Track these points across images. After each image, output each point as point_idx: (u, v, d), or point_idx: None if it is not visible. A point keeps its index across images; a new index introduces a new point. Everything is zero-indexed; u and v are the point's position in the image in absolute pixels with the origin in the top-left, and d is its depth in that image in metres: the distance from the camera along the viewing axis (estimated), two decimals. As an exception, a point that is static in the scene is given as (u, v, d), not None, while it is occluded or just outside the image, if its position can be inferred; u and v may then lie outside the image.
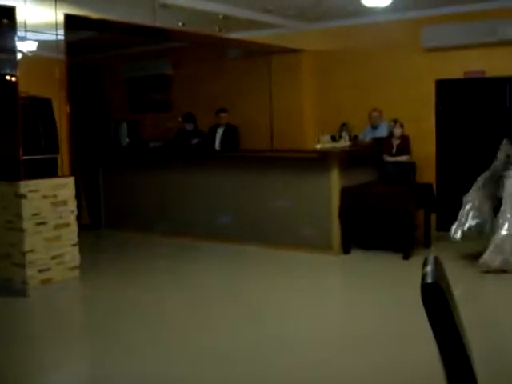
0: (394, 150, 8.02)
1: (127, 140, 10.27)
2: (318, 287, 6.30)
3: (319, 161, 7.52)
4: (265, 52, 10.05)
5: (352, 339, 4.77)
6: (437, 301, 2.00)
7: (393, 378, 3.98)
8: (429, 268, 2.19)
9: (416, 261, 7.00)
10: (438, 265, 2.19)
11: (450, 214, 8.64)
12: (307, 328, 4.98)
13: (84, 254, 6.74)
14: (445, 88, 8.75)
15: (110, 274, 7.01)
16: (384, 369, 4.12)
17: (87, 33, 8.92)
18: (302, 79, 10.01)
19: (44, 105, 6.45)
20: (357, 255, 7.47)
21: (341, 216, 7.45)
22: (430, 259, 2.32)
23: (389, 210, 7.35)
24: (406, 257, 7.14)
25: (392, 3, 6.93)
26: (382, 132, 8.49)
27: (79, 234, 6.67)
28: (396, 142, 8.03)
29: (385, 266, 7.02)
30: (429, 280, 2.06)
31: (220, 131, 9.43)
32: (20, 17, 6.06)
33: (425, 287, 2.04)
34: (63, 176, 6.52)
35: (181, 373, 4.14)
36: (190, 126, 9.65)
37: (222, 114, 9.44)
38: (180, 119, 10.00)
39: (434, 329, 1.96)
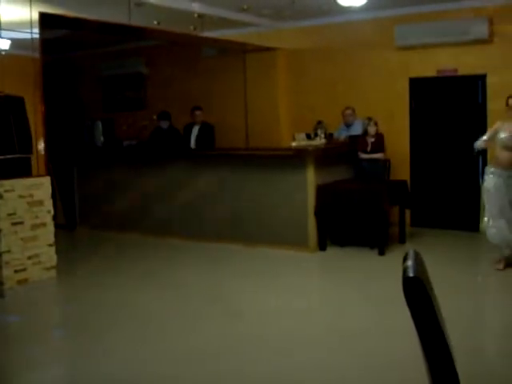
0: (369, 148, 8.10)
1: (102, 139, 10.20)
2: (295, 285, 6.34)
3: (295, 158, 7.57)
4: (239, 50, 10.08)
5: (333, 335, 4.83)
6: (418, 294, 2.05)
7: (379, 374, 4.03)
8: (409, 262, 2.24)
9: (391, 257, 7.11)
10: (418, 259, 2.25)
11: (424, 211, 8.80)
12: (288, 326, 5.02)
13: (60, 253, 6.70)
14: (418, 86, 8.86)
15: (86, 273, 6.97)
16: (367, 364, 4.18)
17: (61, 31, 8.86)
18: (276, 77, 10.05)
19: (16, 103, 6.38)
20: (333, 252, 7.54)
21: (316, 213, 7.50)
22: (410, 254, 2.36)
23: (364, 207, 7.42)
24: (382, 253, 7.23)
25: (366, 2, 6.99)
26: (357, 130, 8.56)
27: (55, 234, 6.64)
28: (371, 140, 8.11)
29: (361, 263, 7.09)
30: (410, 274, 2.11)
31: (195, 129, 9.42)
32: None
33: (406, 281, 2.09)
34: (39, 176, 6.47)
35: (159, 372, 4.15)
36: (164, 124, 9.62)
37: (197, 112, 9.43)
38: (155, 117, 9.97)
39: (415, 321, 2.01)
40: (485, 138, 6.52)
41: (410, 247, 7.47)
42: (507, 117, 6.28)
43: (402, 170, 8.62)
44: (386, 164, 8.11)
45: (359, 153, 8.18)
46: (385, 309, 5.27)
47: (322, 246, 7.57)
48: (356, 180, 8.04)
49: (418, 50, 8.63)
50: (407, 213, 8.27)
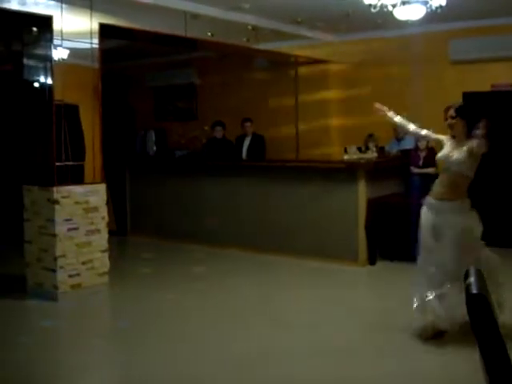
0: (421, 162, 8.03)
1: (154, 148, 10.36)
2: (343, 298, 6.30)
3: (346, 172, 7.54)
4: (291, 63, 10.12)
5: (378, 349, 4.79)
6: (482, 311, 2.04)
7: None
8: (472, 279, 2.23)
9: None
10: (479, 276, 2.24)
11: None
12: (335, 338, 5.01)
13: (112, 259, 6.82)
14: (472, 100, 8.74)
15: (137, 279, 7.09)
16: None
17: (116, 41, 9.05)
18: (328, 90, 10.06)
19: (71, 111, 6.53)
20: (383, 266, 7.48)
21: (367, 227, 7.46)
22: (472, 271, 2.35)
23: (415, 222, 7.33)
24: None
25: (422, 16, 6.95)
26: (408, 144, 8.50)
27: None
28: (422, 154, 8.04)
29: (411, 278, 6.99)
30: (473, 291, 2.10)
31: (247, 141, 9.49)
32: (56, 26, 6.20)
33: (470, 298, 2.08)
34: (95, 182, 6.61)
35: (207, 376, 4.19)
36: (219, 133, 9.65)
37: (247, 124, 9.51)
38: (206, 128, 10.08)
39: (478, 337, 2.01)
40: (424, 132, 5.31)
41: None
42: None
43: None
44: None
45: (411, 167, 8.12)
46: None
47: (371, 260, 7.53)
48: (407, 194, 7.97)
49: (472, 64, 8.55)
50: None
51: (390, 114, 5.44)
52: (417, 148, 8.11)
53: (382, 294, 6.56)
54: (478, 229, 4.87)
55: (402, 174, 8.17)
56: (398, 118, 5.45)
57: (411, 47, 8.98)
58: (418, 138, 5.74)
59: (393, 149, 8.74)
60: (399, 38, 9.09)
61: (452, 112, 4.84)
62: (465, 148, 4.72)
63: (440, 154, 5.00)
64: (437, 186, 4.96)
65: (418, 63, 8.97)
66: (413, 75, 9.06)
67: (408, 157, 8.22)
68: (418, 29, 8.57)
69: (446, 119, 4.93)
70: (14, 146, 9.36)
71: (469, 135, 4.74)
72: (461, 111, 4.81)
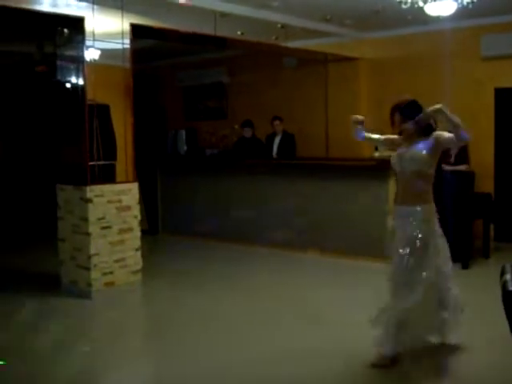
0: (453, 159, 7.96)
1: (185, 147, 10.43)
2: (373, 296, 6.27)
3: (377, 169, 7.51)
4: (321, 60, 10.10)
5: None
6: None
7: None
8: (508, 276, 2.22)
9: (475, 271, 6.96)
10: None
11: (509, 225, 8.57)
12: (362, 337, 4.99)
13: (144, 258, 6.88)
14: (504, 96, 8.65)
15: (170, 278, 7.15)
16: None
17: (146, 41, 9.12)
18: (358, 87, 10.02)
19: (102, 111, 6.60)
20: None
21: (398, 225, 7.41)
22: (508, 267, 2.34)
23: (447, 220, 7.29)
24: (465, 266, 7.09)
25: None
26: (440, 141, 8.43)
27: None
28: (454, 152, 7.96)
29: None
30: (510, 288, 2.09)
31: (277, 139, 9.51)
32: (88, 27, 6.27)
33: (507, 294, 2.07)
34: (127, 181, 6.67)
35: (239, 374, 4.21)
36: (248, 132, 9.70)
37: (276, 122, 9.52)
38: (236, 127, 10.11)
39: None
40: (376, 137, 5.05)
41: (494, 262, 7.34)
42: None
43: (485, 183, 8.43)
44: (470, 176, 7.95)
45: (442, 164, 8.04)
46: (471, 323, 5.16)
47: (402, 258, 7.47)
48: (439, 192, 7.89)
49: (504, 60, 8.44)
50: (491, 227, 8.07)
51: (362, 130, 4.97)
52: (448, 145, 8.03)
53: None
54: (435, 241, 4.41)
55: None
56: (367, 135, 5.00)
57: (442, 43, 8.90)
58: (382, 144, 5.17)
59: (424, 146, 8.67)
60: (430, 34, 9.00)
61: (399, 117, 4.45)
62: (421, 146, 4.34)
63: (392, 160, 4.60)
64: (397, 190, 4.64)
65: (448, 59, 8.89)
66: (444, 71, 8.98)
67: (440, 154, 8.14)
68: (448, 24, 8.50)
69: (393, 124, 4.56)
70: (49, 146, 9.51)
71: (422, 133, 4.36)
72: (407, 113, 4.39)
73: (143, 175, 9.72)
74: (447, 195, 7.66)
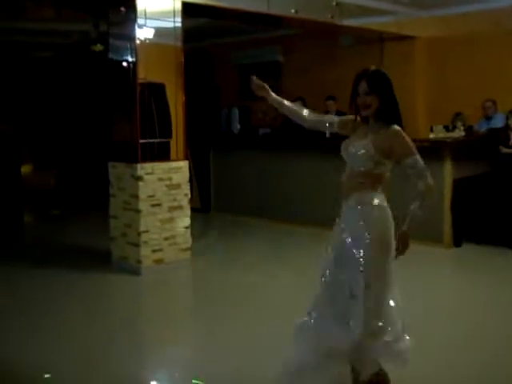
0: (511, 142, 7.72)
1: (238, 126, 10.42)
2: (429, 280, 6.16)
3: (432, 151, 7.33)
4: (377, 39, 9.92)
5: (458, 336, 4.66)
6: None
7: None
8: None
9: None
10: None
11: None
12: (419, 322, 4.90)
13: (195, 236, 6.93)
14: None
15: (220, 256, 7.20)
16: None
17: (200, 20, 9.11)
18: (414, 67, 9.81)
19: (158, 90, 6.64)
20: (468, 249, 7.27)
21: (453, 208, 7.26)
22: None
23: (503, 204, 7.10)
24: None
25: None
26: (498, 123, 8.21)
27: (190, 217, 6.85)
28: (513, 134, 7.73)
29: (499, 262, 6.78)
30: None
31: (331, 118, 9.39)
32: (140, 5, 6.29)
33: None
34: (178, 160, 6.70)
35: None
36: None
37: (329, 102, 9.39)
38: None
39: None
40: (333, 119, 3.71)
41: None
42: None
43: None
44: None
45: (500, 147, 7.81)
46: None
47: (457, 242, 7.32)
48: (496, 175, 7.69)
49: None
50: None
51: (272, 94, 3.84)
52: (507, 127, 7.80)
53: (467, 278, 6.37)
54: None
55: (490, 154, 7.88)
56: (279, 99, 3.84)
57: (501, 21, 8.61)
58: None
59: (482, 128, 8.46)
60: (490, 11, 8.72)
61: (365, 86, 3.30)
62: (371, 137, 3.27)
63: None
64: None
65: (508, 38, 8.60)
66: (503, 51, 8.71)
67: (497, 136, 7.92)
68: (508, 1, 8.22)
69: (354, 97, 3.38)
70: (103, 124, 9.64)
71: (379, 118, 3.30)
72: (375, 83, 3.30)
73: (196, 154, 9.79)
74: (504, 178, 7.45)
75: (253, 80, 3.78)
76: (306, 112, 3.74)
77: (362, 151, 3.30)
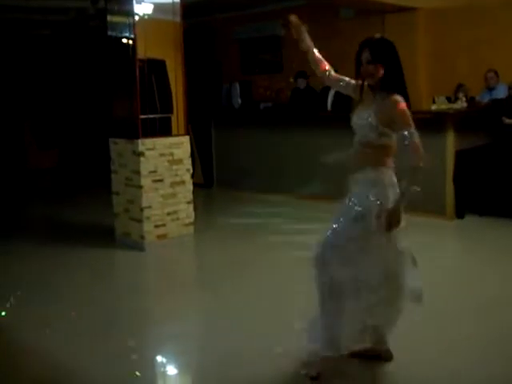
0: (515, 112, 7.68)
1: (239, 101, 10.37)
2: (431, 252, 6.15)
3: (434, 122, 7.31)
4: (378, 11, 9.82)
5: (464, 307, 4.68)
6: None
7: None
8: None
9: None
10: None
11: None
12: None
13: (197, 211, 6.94)
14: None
15: (223, 231, 7.19)
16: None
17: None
18: (416, 39, 9.73)
19: (159, 66, 6.61)
20: (471, 220, 7.26)
21: (455, 180, 7.24)
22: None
23: (507, 175, 7.08)
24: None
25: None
26: (500, 93, 8.15)
27: (193, 192, 6.85)
28: (516, 104, 7.69)
29: (501, 233, 6.78)
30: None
31: (332, 92, 9.33)
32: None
33: None
34: (179, 135, 6.69)
35: (289, 327, 4.22)
36: (302, 83, 9.56)
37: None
38: (291, 80, 9.98)
39: None
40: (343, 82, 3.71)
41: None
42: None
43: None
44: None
45: (503, 118, 7.77)
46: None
47: (459, 214, 7.32)
48: (498, 146, 7.66)
49: None
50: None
51: (306, 39, 3.81)
52: (510, 97, 7.75)
53: (470, 249, 6.38)
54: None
55: (493, 124, 7.83)
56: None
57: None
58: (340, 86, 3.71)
59: (484, 99, 8.40)
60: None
61: (367, 55, 3.32)
62: (374, 107, 3.30)
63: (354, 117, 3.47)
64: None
65: (510, 8, 8.52)
66: (505, 21, 8.64)
67: (500, 107, 7.88)
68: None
69: (358, 66, 3.41)
70: (103, 101, 9.61)
71: (384, 87, 3.30)
72: (378, 54, 3.30)
73: (198, 129, 9.77)
74: (506, 149, 7.42)
75: (291, 20, 3.74)
76: (328, 66, 3.79)
77: (365, 121, 3.31)
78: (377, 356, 3.62)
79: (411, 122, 3.21)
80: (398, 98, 3.25)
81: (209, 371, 3.71)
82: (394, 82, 3.29)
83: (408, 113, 3.23)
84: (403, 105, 3.24)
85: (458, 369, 3.59)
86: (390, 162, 3.42)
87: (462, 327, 4.23)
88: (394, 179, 3.41)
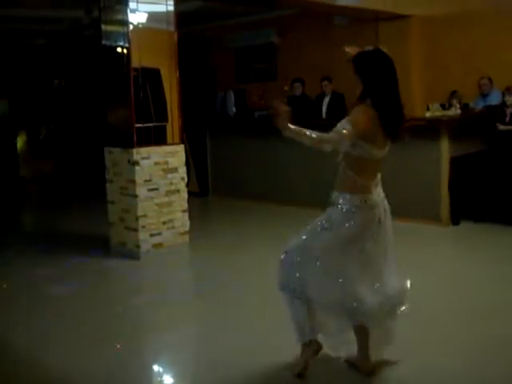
0: (508, 119, 7.70)
1: (234, 109, 10.39)
2: (427, 258, 6.17)
3: (429, 129, 7.32)
4: (372, 19, 9.86)
5: (461, 313, 4.68)
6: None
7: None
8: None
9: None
10: None
11: None
12: (417, 300, 4.91)
13: (193, 220, 6.93)
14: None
15: (218, 240, 7.17)
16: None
17: (194, 3, 9.06)
18: (410, 46, 9.77)
19: (153, 75, 6.62)
20: (466, 227, 7.27)
21: (450, 186, 7.26)
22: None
23: (501, 181, 7.10)
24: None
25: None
26: (494, 100, 8.19)
27: (188, 201, 6.85)
28: (509, 111, 7.70)
29: (497, 240, 6.78)
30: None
31: (326, 100, 9.37)
32: (132, -11, 6.25)
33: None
34: (174, 144, 6.69)
35: (283, 337, 4.21)
36: (298, 89, 9.57)
37: (325, 83, 9.40)
38: (286, 88, 10.00)
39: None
40: None
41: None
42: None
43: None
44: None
45: (497, 124, 7.80)
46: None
47: (454, 221, 7.33)
48: (493, 152, 7.68)
49: None
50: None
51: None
52: (503, 104, 7.79)
53: (465, 255, 6.37)
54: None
55: (487, 131, 7.86)
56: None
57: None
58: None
59: (478, 105, 8.44)
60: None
61: (352, 67, 3.37)
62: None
63: None
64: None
65: (503, 15, 8.57)
66: (498, 28, 8.68)
67: (494, 113, 7.91)
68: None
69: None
70: (97, 110, 9.63)
71: (361, 100, 3.31)
72: (359, 66, 3.33)
73: (193, 138, 9.77)
74: (500, 155, 7.45)
75: (277, 108, 3.21)
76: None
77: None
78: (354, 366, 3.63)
79: (348, 123, 3.15)
80: (361, 107, 3.23)
81: (205, 379, 3.70)
82: (372, 96, 3.25)
83: (358, 117, 3.19)
84: (358, 110, 3.23)
85: (456, 372, 3.60)
86: (368, 175, 3.39)
87: (457, 332, 4.23)
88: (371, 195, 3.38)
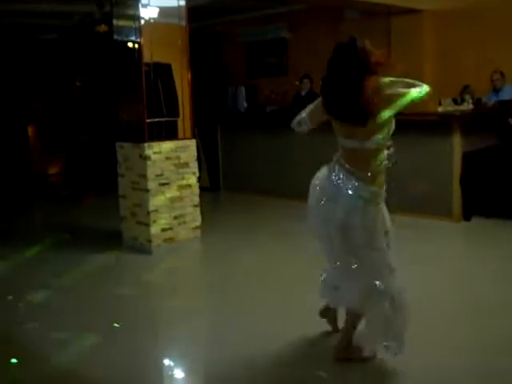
0: (521, 114, 7.67)
1: (245, 104, 10.39)
2: (438, 253, 6.15)
3: (441, 124, 7.30)
4: (384, 13, 9.82)
5: (467, 311, 4.66)
6: None
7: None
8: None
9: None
10: None
11: None
12: (421, 296, 4.91)
13: (204, 215, 6.94)
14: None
15: (229, 235, 7.17)
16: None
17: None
18: (422, 40, 9.73)
19: (165, 70, 6.63)
20: (478, 222, 7.23)
21: (462, 182, 7.23)
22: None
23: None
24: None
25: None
26: (507, 95, 8.15)
27: (199, 196, 6.86)
28: (522, 106, 7.68)
29: (509, 235, 6.74)
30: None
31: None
32: (144, -16, 6.25)
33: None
34: (185, 138, 6.70)
35: (288, 333, 4.21)
36: (306, 85, 9.57)
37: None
38: (297, 83, 9.99)
39: None
40: None
41: None
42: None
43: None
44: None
45: (509, 119, 7.76)
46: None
47: (466, 216, 7.30)
48: (505, 148, 7.64)
49: None
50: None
51: None
52: (516, 98, 7.76)
53: (476, 251, 6.34)
54: None
55: (499, 126, 7.82)
56: None
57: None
58: None
59: (490, 100, 8.40)
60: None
61: None
62: None
63: None
64: None
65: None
66: (510, 22, 8.61)
67: (506, 108, 7.87)
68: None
69: None
70: (109, 105, 9.65)
71: None
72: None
73: (204, 132, 9.78)
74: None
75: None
76: None
77: None
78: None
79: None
80: None
81: (217, 373, 3.72)
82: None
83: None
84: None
85: (460, 371, 3.60)
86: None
87: (467, 329, 4.22)
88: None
